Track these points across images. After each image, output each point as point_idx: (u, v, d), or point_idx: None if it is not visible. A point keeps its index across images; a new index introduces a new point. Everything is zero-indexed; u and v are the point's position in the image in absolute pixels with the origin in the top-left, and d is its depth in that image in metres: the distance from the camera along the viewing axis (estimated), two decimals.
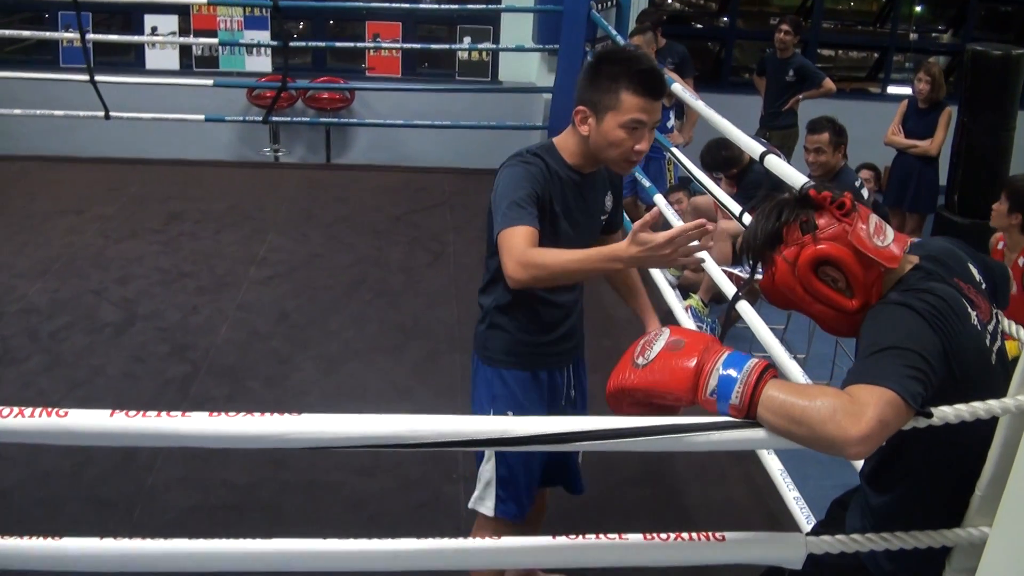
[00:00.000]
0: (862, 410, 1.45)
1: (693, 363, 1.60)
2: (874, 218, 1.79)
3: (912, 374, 1.53)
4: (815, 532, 2.12)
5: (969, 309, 1.69)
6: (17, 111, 7.33)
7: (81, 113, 7.27)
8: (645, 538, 1.73)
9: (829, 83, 7.40)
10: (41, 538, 1.64)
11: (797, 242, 1.77)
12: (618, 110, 2.25)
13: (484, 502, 2.56)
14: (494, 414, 2.49)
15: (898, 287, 1.74)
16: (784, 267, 1.78)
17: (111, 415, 1.41)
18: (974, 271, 1.82)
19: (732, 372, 1.57)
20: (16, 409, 1.40)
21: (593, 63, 2.36)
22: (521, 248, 2.15)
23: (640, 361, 1.65)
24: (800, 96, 7.38)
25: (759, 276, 1.87)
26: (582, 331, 2.66)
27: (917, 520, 1.77)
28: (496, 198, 2.30)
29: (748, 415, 1.55)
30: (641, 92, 2.24)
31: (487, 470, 2.55)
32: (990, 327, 1.75)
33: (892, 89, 9.86)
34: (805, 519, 3.13)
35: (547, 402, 2.56)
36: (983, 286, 1.82)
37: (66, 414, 1.40)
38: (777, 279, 1.80)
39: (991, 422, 1.62)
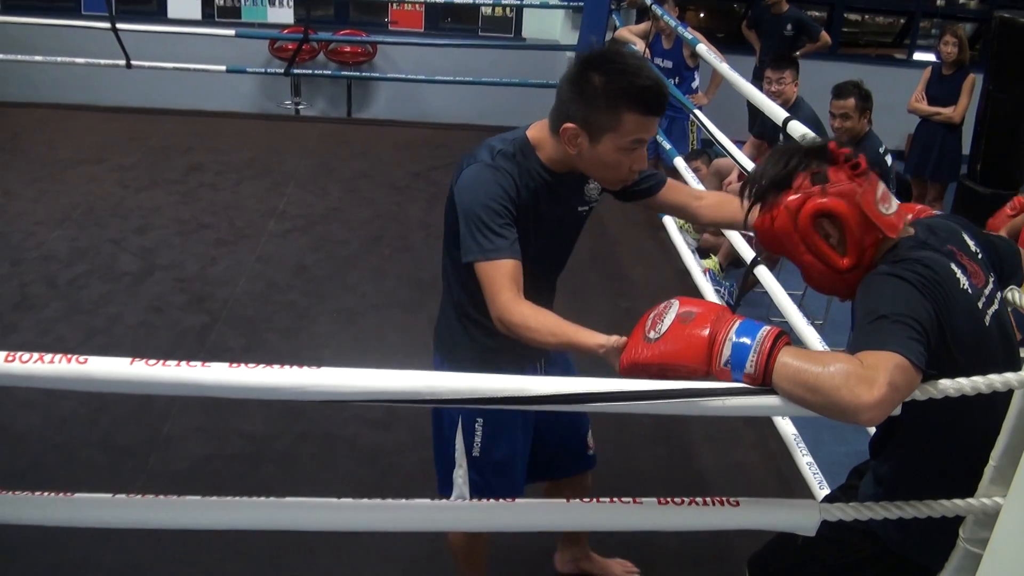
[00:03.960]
0: (874, 375, 1.44)
1: (706, 333, 1.59)
2: (882, 186, 1.79)
3: (911, 335, 1.53)
4: (831, 498, 2.13)
5: (959, 275, 1.70)
6: (38, 58, 7.34)
7: (102, 61, 7.27)
8: (659, 502, 1.73)
9: (826, 36, 7.45)
10: (54, 493, 1.66)
11: (805, 191, 1.77)
12: (618, 132, 1.98)
13: None
14: (463, 420, 2.35)
15: (888, 257, 1.75)
16: (786, 213, 1.78)
17: (131, 363, 1.41)
18: (969, 242, 1.83)
19: (746, 340, 1.56)
20: (36, 355, 1.40)
21: (582, 73, 2.01)
22: (505, 298, 1.97)
23: (652, 335, 1.64)
24: (796, 54, 7.33)
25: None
26: None
27: (920, 487, 1.78)
28: (464, 205, 2.07)
29: (763, 383, 1.55)
30: (645, 112, 1.98)
31: (458, 477, 2.39)
32: (985, 291, 1.76)
33: (918, 55, 9.72)
34: (818, 484, 3.13)
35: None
36: (979, 256, 1.82)
37: (86, 361, 1.41)
38: (776, 223, 1.80)
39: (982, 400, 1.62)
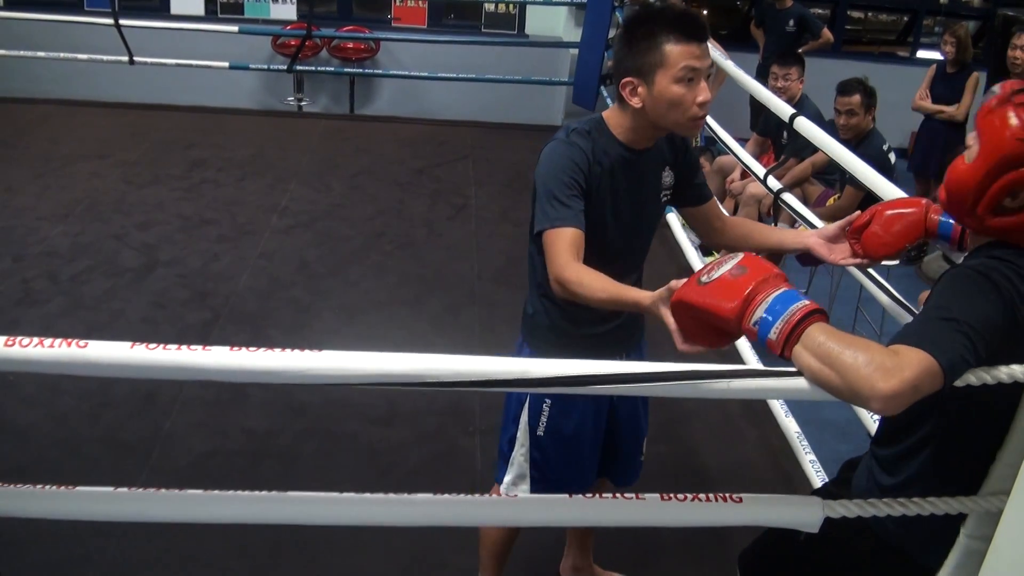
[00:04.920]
0: (899, 370, 1.42)
1: (747, 291, 1.58)
2: None
3: (965, 352, 1.49)
4: (825, 491, 2.12)
5: None
6: (41, 54, 7.34)
7: (105, 57, 7.27)
8: (662, 498, 1.72)
9: (828, 33, 7.45)
10: (55, 487, 1.65)
11: None
12: (665, 65, 2.04)
13: (516, 488, 2.45)
14: (530, 400, 2.39)
15: (996, 250, 1.70)
16: (1015, 146, 1.64)
17: (131, 347, 1.41)
18: None
19: (780, 307, 1.55)
20: (36, 339, 1.40)
21: (623, 30, 2.15)
22: (563, 260, 2.04)
23: (703, 279, 1.65)
24: (799, 51, 7.33)
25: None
26: (641, 320, 2.46)
27: (938, 490, 1.75)
28: (539, 180, 2.15)
29: (782, 354, 1.54)
30: (684, 38, 2.04)
31: (519, 455, 2.44)
32: None
33: (921, 53, 9.70)
34: (820, 482, 3.12)
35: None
36: None
37: (86, 345, 1.40)
38: (1003, 147, 1.65)
39: (1011, 398, 1.60)
